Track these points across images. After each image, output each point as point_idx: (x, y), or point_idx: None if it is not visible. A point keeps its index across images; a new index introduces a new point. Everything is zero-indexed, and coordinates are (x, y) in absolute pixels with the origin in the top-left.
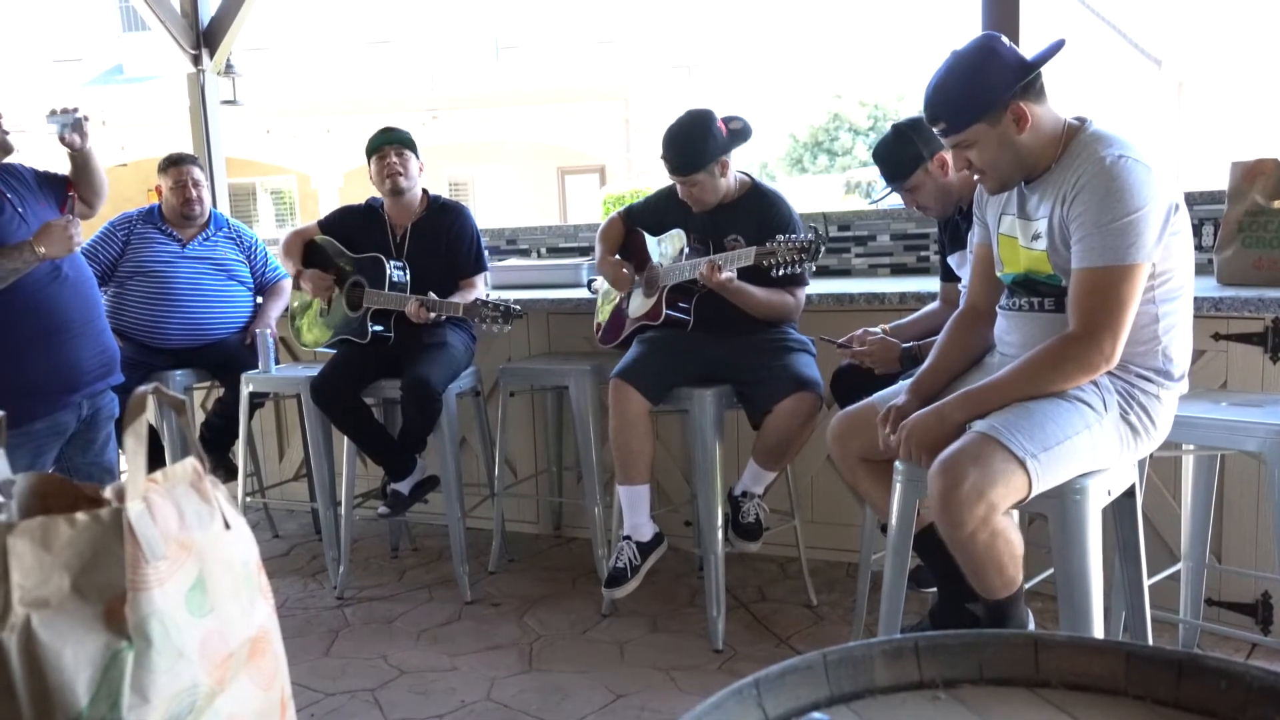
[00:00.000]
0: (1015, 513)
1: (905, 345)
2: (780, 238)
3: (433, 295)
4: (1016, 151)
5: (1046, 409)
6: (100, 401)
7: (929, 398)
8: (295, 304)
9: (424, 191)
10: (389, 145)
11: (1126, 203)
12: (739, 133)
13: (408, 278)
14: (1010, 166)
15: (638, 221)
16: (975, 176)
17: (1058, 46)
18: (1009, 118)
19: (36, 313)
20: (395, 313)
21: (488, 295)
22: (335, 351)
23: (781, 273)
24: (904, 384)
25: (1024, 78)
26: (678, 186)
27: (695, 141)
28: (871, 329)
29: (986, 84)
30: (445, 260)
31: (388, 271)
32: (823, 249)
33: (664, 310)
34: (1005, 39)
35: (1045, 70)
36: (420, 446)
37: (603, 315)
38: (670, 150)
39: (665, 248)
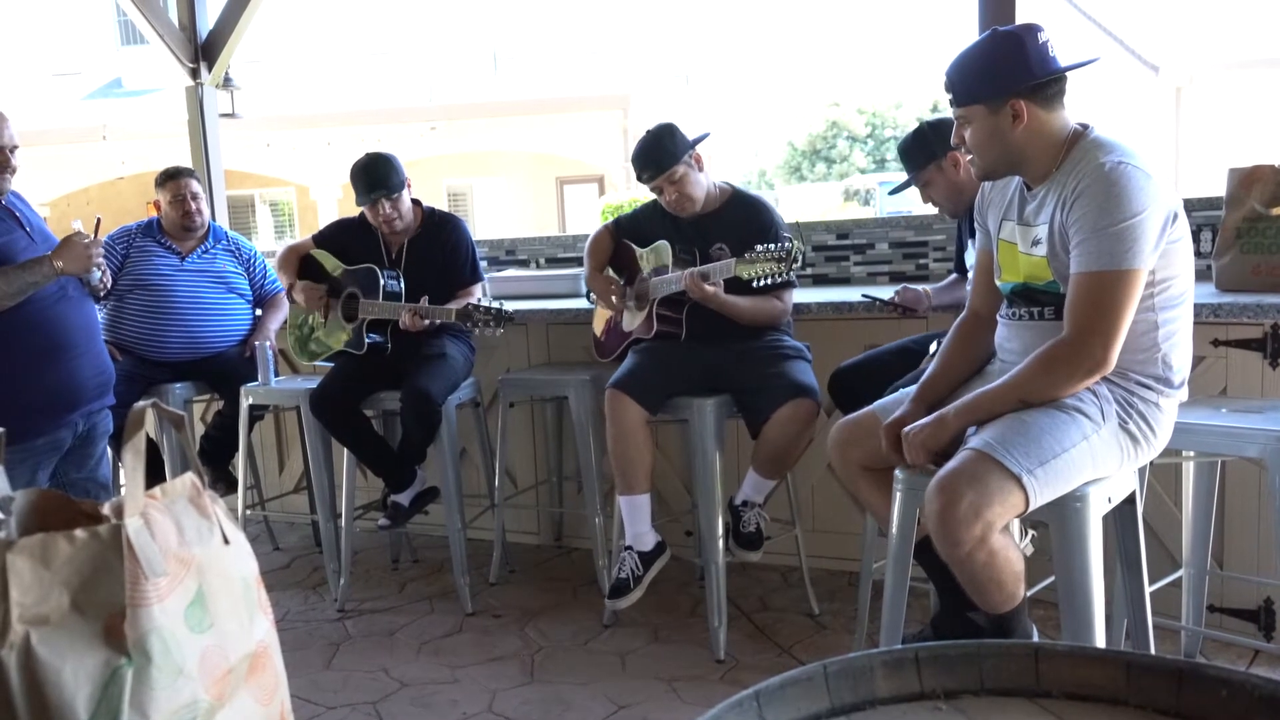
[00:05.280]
0: (1016, 524)
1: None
2: (759, 247)
3: (425, 302)
4: (1006, 146)
5: (1043, 422)
6: (96, 418)
7: (934, 406)
8: (296, 320)
9: (417, 205)
10: (380, 196)
11: (1125, 208)
12: (700, 137)
13: (402, 287)
14: (996, 158)
15: (626, 233)
16: (965, 156)
17: (1087, 61)
18: (1008, 111)
19: (42, 331)
20: (392, 323)
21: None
22: (334, 364)
23: (763, 283)
24: (904, 392)
25: (1037, 79)
26: (662, 198)
27: (664, 142)
28: (912, 286)
29: (998, 72)
30: (442, 272)
31: (382, 281)
32: (801, 257)
33: (655, 324)
34: (1043, 36)
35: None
36: (420, 458)
37: (597, 327)
38: (642, 159)
39: (652, 260)
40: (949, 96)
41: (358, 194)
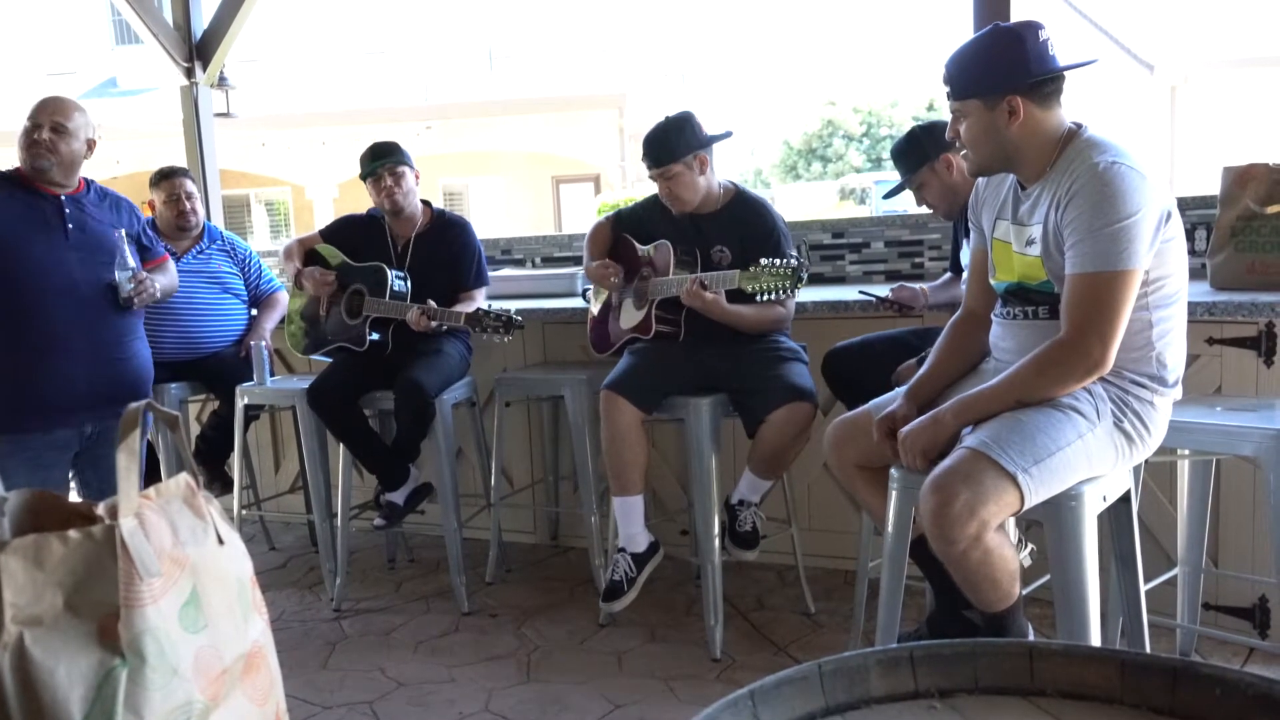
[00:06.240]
0: (1011, 523)
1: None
2: (764, 262)
3: (433, 304)
4: (1001, 142)
5: (1038, 420)
6: (112, 421)
7: (926, 403)
8: (292, 309)
9: (427, 204)
10: (382, 167)
11: (1119, 208)
12: (719, 135)
13: (409, 287)
14: (991, 154)
15: (625, 228)
16: (960, 152)
17: (1085, 62)
18: (1004, 108)
19: (27, 327)
20: (394, 322)
21: (489, 306)
22: (332, 360)
23: (765, 298)
24: (900, 390)
25: (1035, 77)
26: (659, 187)
27: (671, 135)
28: (909, 284)
29: (996, 67)
30: (447, 273)
31: (389, 280)
32: (804, 276)
33: (654, 325)
34: (1043, 34)
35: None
36: (414, 454)
37: (595, 306)
38: (647, 146)
39: (652, 258)
40: (946, 90)
41: (363, 174)
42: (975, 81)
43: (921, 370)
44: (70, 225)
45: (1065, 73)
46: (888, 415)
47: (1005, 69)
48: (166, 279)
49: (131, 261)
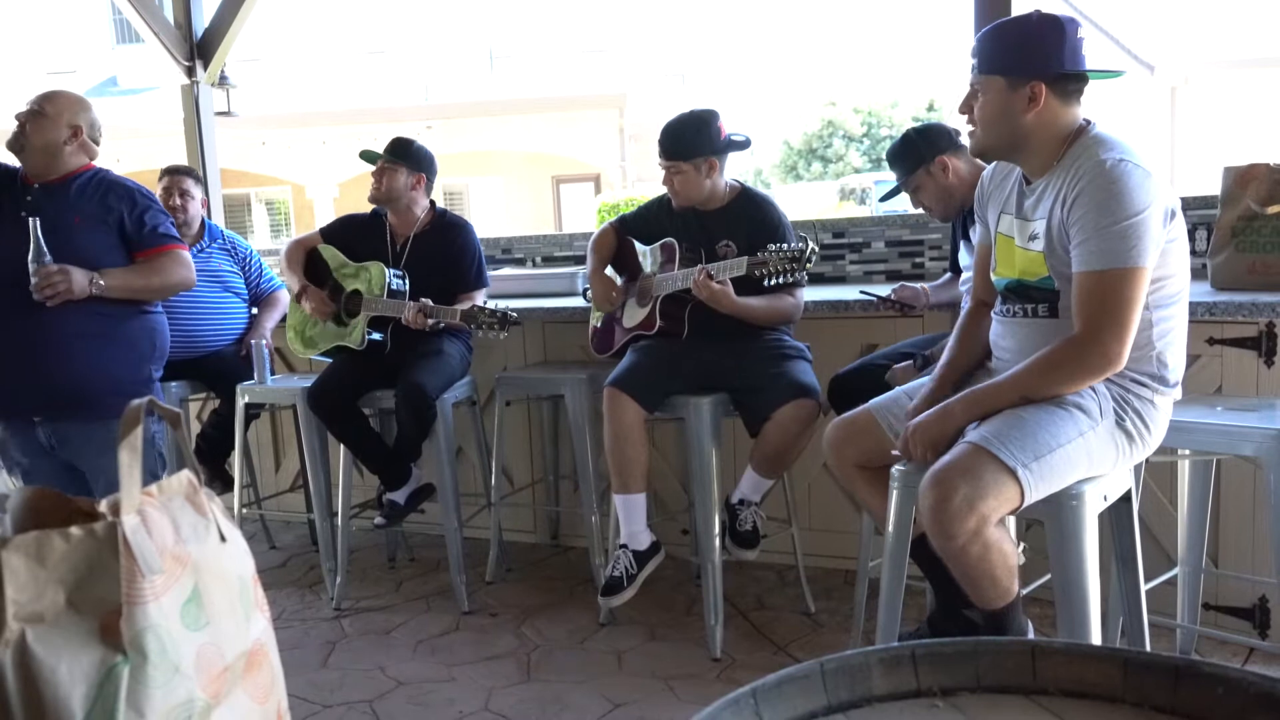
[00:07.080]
0: (1011, 521)
1: (924, 352)
2: (772, 247)
3: (428, 301)
4: (1013, 127)
5: (1040, 417)
6: (67, 434)
7: (958, 385)
8: (294, 319)
9: (432, 204)
10: (379, 159)
11: (1126, 206)
12: (737, 142)
13: (406, 286)
14: (999, 137)
15: (630, 231)
16: (967, 128)
17: (1115, 72)
18: (1025, 92)
19: None
20: (392, 321)
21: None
22: (331, 360)
23: (774, 282)
24: (901, 390)
25: (1065, 70)
26: (664, 176)
27: (688, 131)
28: (910, 284)
29: (1030, 49)
30: (445, 274)
31: (386, 279)
32: (815, 258)
33: (658, 320)
34: (1081, 33)
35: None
36: (415, 454)
37: (596, 319)
38: (664, 135)
39: (657, 257)
40: (972, 62)
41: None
42: (1005, 58)
43: (941, 361)
44: (23, 214)
45: (1093, 76)
46: (914, 410)
47: (1040, 53)
48: (132, 279)
49: (46, 254)
